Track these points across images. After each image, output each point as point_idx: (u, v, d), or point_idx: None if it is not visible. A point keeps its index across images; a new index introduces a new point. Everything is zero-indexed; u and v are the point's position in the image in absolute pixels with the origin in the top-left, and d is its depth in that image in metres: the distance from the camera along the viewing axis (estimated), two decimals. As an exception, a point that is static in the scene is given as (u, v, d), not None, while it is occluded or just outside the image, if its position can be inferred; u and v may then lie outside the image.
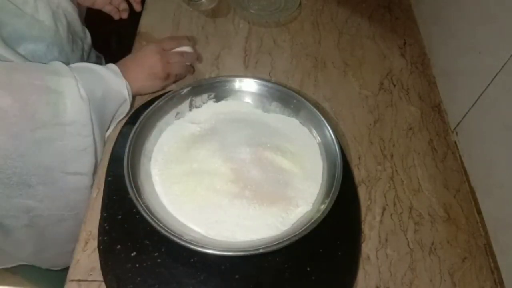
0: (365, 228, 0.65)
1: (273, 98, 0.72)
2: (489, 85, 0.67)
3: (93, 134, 0.63)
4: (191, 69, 0.80)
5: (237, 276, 0.57)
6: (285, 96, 0.71)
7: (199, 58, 0.82)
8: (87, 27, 0.78)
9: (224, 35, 0.90)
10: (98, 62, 0.83)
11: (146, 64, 0.70)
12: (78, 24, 0.74)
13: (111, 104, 0.66)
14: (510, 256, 0.61)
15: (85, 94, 0.60)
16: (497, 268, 0.63)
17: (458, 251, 0.65)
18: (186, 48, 0.76)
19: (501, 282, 0.62)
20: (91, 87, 0.61)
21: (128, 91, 0.67)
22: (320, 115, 0.68)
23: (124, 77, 0.66)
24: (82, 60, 0.76)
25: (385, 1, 1.02)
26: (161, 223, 0.55)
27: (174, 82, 0.77)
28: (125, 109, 0.69)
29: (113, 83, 0.65)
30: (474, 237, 0.67)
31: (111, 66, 0.68)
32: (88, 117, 0.61)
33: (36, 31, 0.63)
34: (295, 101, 0.71)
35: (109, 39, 1.27)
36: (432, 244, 0.65)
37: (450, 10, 0.83)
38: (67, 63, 0.64)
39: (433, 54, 0.90)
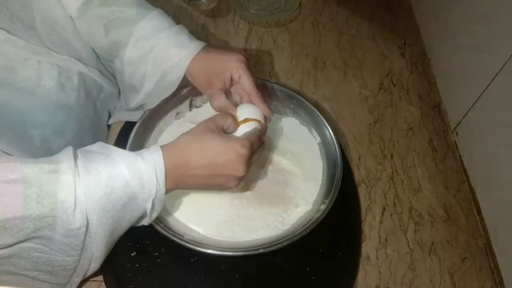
0: (365, 228, 0.65)
1: (273, 98, 0.72)
2: (489, 85, 0.67)
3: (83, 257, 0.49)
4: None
5: (237, 276, 0.57)
6: (285, 96, 0.71)
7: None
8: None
9: (224, 35, 0.90)
10: (113, 109, 0.72)
11: (219, 163, 0.51)
12: (101, 80, 0.67)
13: (130, 215, 0.49)
14: (510, 256, 0.61)
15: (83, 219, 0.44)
16: (497, 268, 0.63)
17: (458, 251, 0.65)
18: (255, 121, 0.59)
19: (501, 282, 0.62)
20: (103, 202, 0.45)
21: (155, 204, 0.49)
22: (320, 115, 0.68)
23: (175, 178, 0.50)
24: (95, 113, 0.66)
25: (385, 1, 1.02)
26: (161, 223, 0.55)
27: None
28: (145, 221, 0.53)
29: (139, 189, 0.47)
30: (474, 237, 0.67)
31: (154, 156, 0.48)
32: (80, 240, 0.46)
33: (35, 100, 0.56)
34: (295, 101, 0.71)
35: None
36: (432, 244, 0.65)
37: (450, 10, 0.83)
38: (79, 125, 0.59)
39: (433, 54, 0.90)
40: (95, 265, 0.51)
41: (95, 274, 0.57)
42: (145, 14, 0.62)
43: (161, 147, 0.50)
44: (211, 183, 0.53)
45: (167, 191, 0.50)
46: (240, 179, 0.53)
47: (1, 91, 0.53)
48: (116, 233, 0.50)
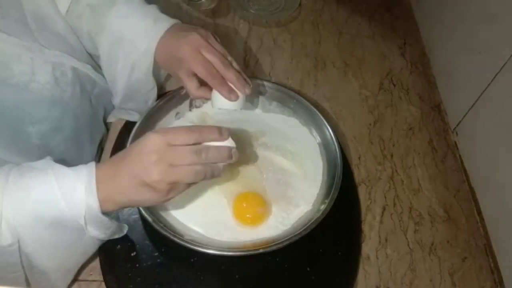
0: (365, 228, 0.65)
1: (273, 98, 0.72)
2: (489, 85, 0.67)
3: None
4: (221, 170, 0.50)
5: (237, 276, 0.57)
6: (285, 96, 0.71)
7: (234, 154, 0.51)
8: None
9: (224, 35, 0.90)
10: (109, 103, 0.72)
11: (137, 169, 0.45)
12: (93, 75, 0.66)
13: (68, 230, 0.46)
14: (510, 256, 0.61)
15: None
16: (497, 268, 0.63)
17: (458, 251, 0.65)
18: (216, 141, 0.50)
19: (501, 282, 0.62)
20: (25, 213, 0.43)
21: (87, 219, 0.45)
22: (320, 115, 0.68)
23: (105, 186, 0.45)
24: (91, 107, 0.66)
25: (385, 1, 1.02)
26: (161, 223, 0.55)
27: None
28: (93, 247, 0.51)
29: (67, 205, 0.44)
30: (474, 237, 0.67)
31: (87, 172, 0.45)
32: (15, 256, 0.45)
33: (30, 96, 0.55)
34: (295, 101, 0.71)
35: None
36: (432, 244, 0.65)
37: (450, 10, 0.83)
38: (75, 120, 0.59)
39: (433, 54, 0.90)
40: (56, 277, 0.50)
41: (95, 274, 0.57)
42: (114, 2, 0.60)
43: (97, 163, 0.47)
44: (137, 198, 0.47)
45: (103, 208, 0.46)
46: (157, 188, 0.45)
47: None
48: (66, 246, 0.48)
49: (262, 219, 0.59)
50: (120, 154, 0.48)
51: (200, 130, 0.49)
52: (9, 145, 0.53)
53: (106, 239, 0.52)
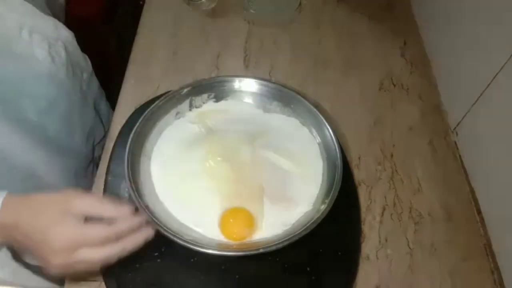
0: (365, 228, 0.65)
1: (273, 98, 0.72)
2: (489, 85, 0.67)
3: None
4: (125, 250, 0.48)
5: (237, 276, 0.57)
6: (285, 96, 0.71)
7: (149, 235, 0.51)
8: (85, 26, 0.77)
9: (224, 35, 0.90)
10: (99, 92, 0.78)
11: (39, 252, 0.45)
12: (78, 53, 0.70)
13: None
14: (510, 256, 0.61)
15: None
16: (497, 268, 0.63)
17: (458, 251, 0.65)
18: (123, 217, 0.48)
19: (501, 282, 0.62)
20: None
21: None
22: (320, 115, 0.68)
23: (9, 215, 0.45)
24: (81, 92, 0.69)
25: (385, 1, 1.02)
26: (161, 223, 0.55)
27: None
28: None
29: None
30: (474, 237, 0.66)
31: None
32: None
33: (30, 70, 0.57)
34: (295, 101, 0.70)
35: (109, 39, 1.27)
36: (432, 244, 0.65)
37: (450, 10, 0.83)
38: (69, 100, 0.61)
39: (433, 54, 0.90)
40: None
41: (95, 274, 0.57)
42: None
43: (7, 195, 0.46)
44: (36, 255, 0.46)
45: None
46: (52, 265, 0.44)
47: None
48: None
49: (248, 236, 0.58)
50: (30, 223, 0.45)
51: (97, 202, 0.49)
52: (6, 123, 0.54)
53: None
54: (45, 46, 0.60)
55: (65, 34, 0.66)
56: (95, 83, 0.77)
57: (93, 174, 0.71)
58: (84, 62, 0.73)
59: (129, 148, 0.61)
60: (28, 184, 0.60)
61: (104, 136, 0.77)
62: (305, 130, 0.70)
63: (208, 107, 0.72)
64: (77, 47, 0.70)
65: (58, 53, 0.63)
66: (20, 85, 0.57)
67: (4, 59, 0.54)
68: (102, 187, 0.64)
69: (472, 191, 0.71)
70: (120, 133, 0.69)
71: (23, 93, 0.58)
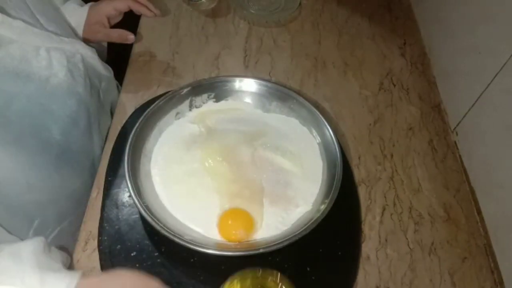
0: (365, 228, 0.65)
1: (273, 98, 0.72)
2: (489, 85, 0.67)
3: None
4: None
5: (237, 276, 0.57)
6: (285, 96, 0.71)
7: None
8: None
9: (224, 35, 0.90)
10: (116, 94, 0.79)
11: None
12: (98, 65, 0.70)
13: None
14: (510, 256, 0.61)
15: None
16: (497, 268, 0.63)
17: (458, 251, 0.65)
18: None
19: (501, 282, 0.62)
20: None
21: None
22: (320, 115, 0.68)
23: None
24: (99, 101, 0.71)
25: (385, 1, 1.02)
26: (161, 223, 0.55)
27: None
28: None
29: None
30: (474, 237, 0.66)
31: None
32: None
33: (51, 87, 0.58)
34: (295, 101, 0.71)
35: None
36: (432, 244, 0.65)
37: (450, 10, 0.83)
38: (88, 113, 0.63)
39: (433, 54, 0.90)
40: None
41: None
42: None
43: (81, 276, 0.48)
44: None
45: None
46: None
47: (20, 82, 0.54)
48: None
49: (246, 237, 0.58)
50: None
51: None
52: (31, 145, 0.55)
53: None
54: (64, 62, 0.61)
55: (83, 50, 0.66)
56: (113, 88, 0.77)
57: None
58: (104, 70, 0.73)
59: (129, 148, 0.61)
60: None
61: None
62: (305, 130, 0.70)
63: (208, 107, 0.72)
64: (97, 59, 0.70)
65: (76, 65, 0.63)
66: (43, 103, 0.57)
67: (26, 79, 0.55)
68: (102, 187, 0.64)
69: (472, 191, 0.71)
70: (120, 133, 0.70)
71: (47, 116, 0.58)
